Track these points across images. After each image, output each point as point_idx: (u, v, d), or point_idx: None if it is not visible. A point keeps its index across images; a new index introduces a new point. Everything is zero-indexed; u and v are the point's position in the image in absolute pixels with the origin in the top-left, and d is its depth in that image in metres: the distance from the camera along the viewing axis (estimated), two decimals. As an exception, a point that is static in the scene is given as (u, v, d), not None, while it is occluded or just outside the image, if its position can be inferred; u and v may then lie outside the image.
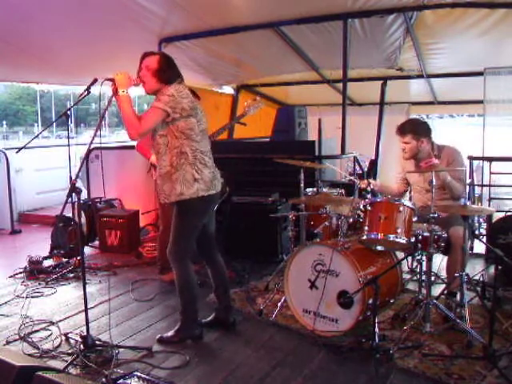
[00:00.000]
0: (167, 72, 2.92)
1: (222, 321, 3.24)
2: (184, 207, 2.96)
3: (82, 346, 2.80)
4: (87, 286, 2.94)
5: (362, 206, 3.26)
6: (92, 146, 2.94)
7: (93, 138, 2.84)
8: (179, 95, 2.84)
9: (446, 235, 3.28)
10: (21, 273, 4.45)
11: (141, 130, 2.82)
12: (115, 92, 2.87)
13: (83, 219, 5.36)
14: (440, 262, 4.38)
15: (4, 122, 34.97)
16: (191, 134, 2.90)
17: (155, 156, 3.05)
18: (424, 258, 3.32)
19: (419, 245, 3.20)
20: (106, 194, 5.67)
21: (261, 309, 3.46)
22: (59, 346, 2.99)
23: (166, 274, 4.24)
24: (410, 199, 3.95)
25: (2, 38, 4.90)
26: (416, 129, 3.64)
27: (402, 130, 3.67)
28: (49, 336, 3.14)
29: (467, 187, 3.84)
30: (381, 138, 6.98)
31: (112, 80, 2.87)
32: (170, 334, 3.08)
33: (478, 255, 4.73)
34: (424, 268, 3.33)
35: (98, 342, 2.85)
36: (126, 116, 2.84)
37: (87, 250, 5.35)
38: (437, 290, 3.60)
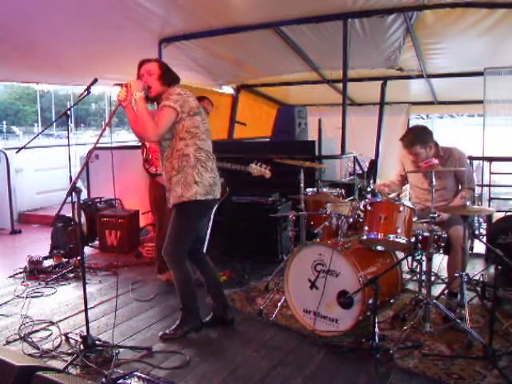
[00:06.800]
0: (169, 75, 3.02)
1: (220, 319, 3.26)
2: (183, 209, 3.00)
3: (81, 346, 2.80)
4: (87, 286, 2.94)
5: (362, 206, 3.26)
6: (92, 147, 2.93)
7: (98, 137, 2.84)
8: (185, 94, 2.93)
9: (445, 235, 3.29)
10: (21, 273, 4.46)
11: (158, 130, 2.86)
12: (125, 100, 2.86)
13: (83, 219, 5.36)
14: (440, 262, 4.38)
15: (4, 122, 34.92)
16: (196, 133, 2.95)
17: (160, 162, 3.08)
18: (424, 257, 3.32)
19: (419, 245, 3.20)
20: (110, 194, 5.66)
21: (261, 309, 3.46)
22: (59, 346, 2.98)
23: (163, 274, 4.27)
24: (410, 199, 3.95)
25: (2, 38, 4.90)
26: (422, 138, 3.59)
27: (409, 142, 3.60)
28: (49, 336, 3.14)
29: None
30: (381, 138, 6.97)
31: (126, 85, 2.85)
32: (171, 329, 3.12)
33: (478, 255, 4.73)
34: (424, 268, 3.33)
35: (98, 342, 2.85)
36: (144, 117, 2.84)
37: (87, 249, 5.35)
38: (437, 289, 3.61)
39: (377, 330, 2.75)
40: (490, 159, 5.09)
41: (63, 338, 3.08)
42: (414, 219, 3.24)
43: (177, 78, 3.04)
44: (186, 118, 2.90)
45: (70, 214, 4.77)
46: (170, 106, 2.85)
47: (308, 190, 4.08)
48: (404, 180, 3.96)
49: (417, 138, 3.59)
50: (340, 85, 5.41)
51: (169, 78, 3.00)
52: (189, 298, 3.12)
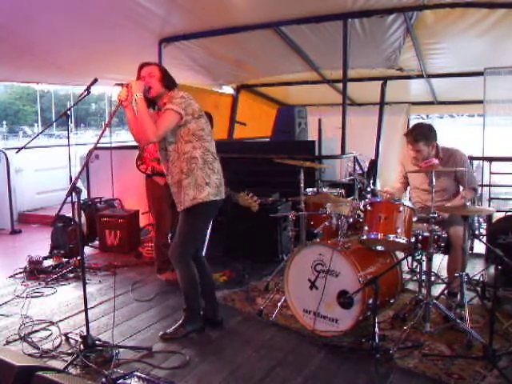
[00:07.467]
0: (168, 79, 3.03)
1: (209, 320, 3.27)
2: (195, 211, 2.99)
3: (81, 345, 2.80)
4: (87, 286, 2.94)
5: (361, 206, 3.26)
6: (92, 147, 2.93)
7: (99, 138, 2.84)
8: (188, 97, 2.95)
9: (445, 235, 3.29)
10: (21, 273, 4.45)
11: (158, 131, 2.86)
12: (126, 99, 2.87)
13: (83, 219, 5.36)
14: (440, 262, 4.38)
15: (4, 122, 34.96)
16: (202, 135, 2.97)
17: (164, 165, 3.07)
18: (424, 257, 3.32)
19: (419, 245, 3.20)
20: (110, 194, 5.68)
21: (261, 309, 3.46)
22: (59, 346, 2.99)
23: (163, 274, 4.29)
24: (410, 199, 3.96)
25: (2, 38, 4.90)
26: (427, 135, 3.60)
27: (414, 138, 3.61)
28: (49, 336, 3.14)
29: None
30: (381, 138, 6.97)
31: (127, 85, 2.86)
32: (172, 328, 3.13)
33: (478, 255, 4.73)
34: (424, 268, 3.33)
35: (98, 342, 2.85)
36: (144, 118, 2.84)
37: (87, 249, 5.35)
38: (437, 289, 3.61)
39: (377, 330, 2.75)
40: (490, 159, 5.09)
41: (63, 337, 3.08)
42: (414, 219, 3.24)
43: (175, 82, 3.07)
44: (192, 120, 2.92)
45: (70, 214, 4.77)
46: (173, 109, 2.86)
47: (308, 190, 4.08)
48: (407, 180, 3.95)
49: (422, 134, 3.61)
50: (340, 85, 5.41)
51: (168, 81, 3.02)
52: (193, 298, 3.13)
